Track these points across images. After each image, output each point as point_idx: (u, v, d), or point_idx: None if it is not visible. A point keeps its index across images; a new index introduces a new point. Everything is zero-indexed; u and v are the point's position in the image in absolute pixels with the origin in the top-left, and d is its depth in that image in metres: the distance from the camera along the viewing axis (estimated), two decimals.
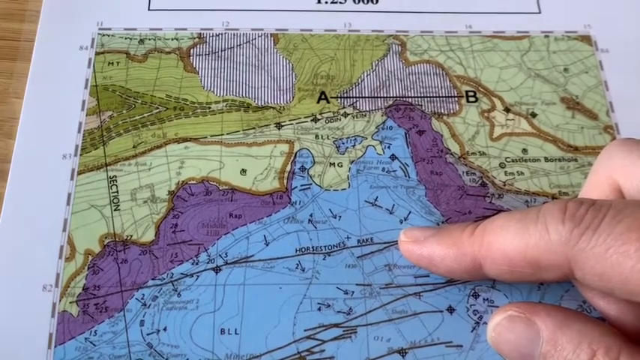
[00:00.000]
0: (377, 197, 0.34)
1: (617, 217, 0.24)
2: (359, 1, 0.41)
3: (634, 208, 0.24)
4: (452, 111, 0.37)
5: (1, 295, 0.31)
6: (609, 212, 0.25)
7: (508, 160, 0.36)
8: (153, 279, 0.32)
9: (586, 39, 0.40)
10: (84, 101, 0.36)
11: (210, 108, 0.37)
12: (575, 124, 0.37)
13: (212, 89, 0.37)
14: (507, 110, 0.38)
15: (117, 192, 0.34)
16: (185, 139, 0.36)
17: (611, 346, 0.25)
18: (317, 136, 0.36)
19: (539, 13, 0.41)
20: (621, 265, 0.24)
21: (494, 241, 0.28)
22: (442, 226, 0.32)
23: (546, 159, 0.36)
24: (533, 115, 0.37)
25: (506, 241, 0.27)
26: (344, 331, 0.31)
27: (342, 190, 0.35)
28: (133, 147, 0.35)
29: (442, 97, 0.38)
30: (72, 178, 0.34)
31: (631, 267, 0.23)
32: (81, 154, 0.35)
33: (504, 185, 0.35)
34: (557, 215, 0.26)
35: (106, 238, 0.33)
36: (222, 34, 0.39)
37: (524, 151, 0.36)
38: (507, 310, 0.28)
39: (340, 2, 0.41)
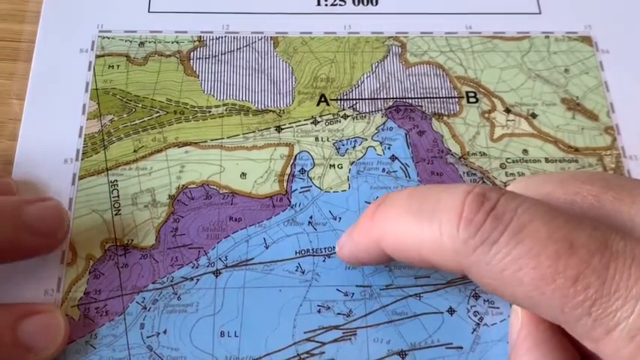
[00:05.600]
0: (377, 198, 0.34)
1: (518, 235, 0.22)
2: (359, 3, 0.41)
3: (538, 225, 0.22)
4: (452, 112, 0.37)
5: (6, 300, 0.31)
6: (510, 226, 0.22)
7: (509, 160, 0.36)
8: (153, 283, 0.32)
9: (586, 40, 0.40)
10: (84, 105, 0.37)
11: (210, 112, 0.37)
12: (576, 124, 0.37)
13: (212, 93, 0.37)
14: (508, 111, 0.37)
15: (118, 196, 0.34)
16: (185, 144, 0.36)
17: None
18: (317, 139, 0.36)
19: (540, 13, 0.41)
20: (514, 289, 0.23)
21: (389, 232, 0.26)
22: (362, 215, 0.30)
23: (547, 160, 0.36)
24: (534, 115, 0.37)
25: (400, 235, 0.26)
26: (344, 333, 0.31)
27: (342, 191, 0.35)
28: (134, 151, 0.35)
29: (442, 97, 0.38)
30: (73, 183, 0.34)
31: (523, 293, 0.22)
32: (82, 159, 0.35)
33: (505, 186, 0.35)
34: (452, 218, 0.23)
35: (107, 242, 0.33)
36: (222, 38, 0.39)
37: (525, 151, 0.36)
38: None
39: (340, 4, 0.41)
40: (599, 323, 0.21)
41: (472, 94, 0.38)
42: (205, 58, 0.39)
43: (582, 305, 0.21)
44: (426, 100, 0.38)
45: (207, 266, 0.32)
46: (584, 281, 0.21)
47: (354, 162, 0.35)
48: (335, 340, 0.31)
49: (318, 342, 0.31)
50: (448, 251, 0.24)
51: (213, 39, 0.39)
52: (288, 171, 0.35)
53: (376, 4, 0.41)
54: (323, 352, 0.30)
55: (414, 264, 0.27)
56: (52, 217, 0.31)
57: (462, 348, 0.31)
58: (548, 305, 0.22)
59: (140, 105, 0.37)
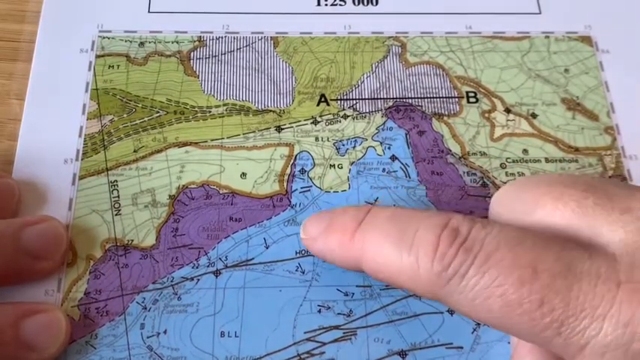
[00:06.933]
0: (377, 198, 0.34)
1: (485, 265, 0.23)
2: (359, 3, 0.41)
3: (504, 253, 0.23)
4: (452, 112, 0.37)
5: (6, 300, 0.31)
6: (478, 256, 0.23)
7: (509, 160, 0.36)
8: (153, 283, 0.32)
9: (586, 40, 0.40)
10: (85, 105, 0.37)
11: (210, 112, 0.37)
12: (576, 124, 0.37)
13: (212, 93, 0.37)
14: (508, 111, 0.37)
15: (118, 197, 0.34)
16: (185, 144, 0.36)
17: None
18: (317, 139, 0.36)
19: (540, 13, 0.41)
20: (486, 315, 0.24)
21: (370, 256, 0.27)
22: (335, 213, 0.30)
23: (547, 160, 0.36)
24: (534, 115, 0.37)
25: (381, 260, 0.26)
26: (344, 333, 0.31)
27: (343, 191, 0.35)
28: (134, 151, 0.35)
29: (442, 97, 0.38)
30: (73, 183, 0.34)
31: (495, 319, 0.23)
32: (82, 159, 0.35)
33: None
34: (428, 252, 0.25)
35: (107, 242, 0.33)
36: (222, 38, 0.39)
37: (525, 151, 0.36)
38: None
39: (340, 4, 0.41)
40: (569, 342, 0.22)
41: (472, 94, 0.38)
42: (205, 58, 0.39)
43: (550, 327, 0.22)
44: (426, 100, 0.38)
45: (208, 266, 0.32)
46: (548, 305, 0.22)
47: (354, 162, 0.35)
48: (335, 340, 0.31)
49: (318, 342, 0.31)
50: (424, 282, 0.25)
51: (213, 39, 0.39)
52: (288, 171, 0.35)
53: (376, 4, 0.41)
54: (323, 352, 0.30)
55: (392, 286, 0.28)
56: (52, 240, 0.32)
57: (462, 348, 0.31)
58: (519, 329, 0.23)
59: (140, 105, 0.37)
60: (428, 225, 0.25)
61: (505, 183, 0.35)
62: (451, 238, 0.24)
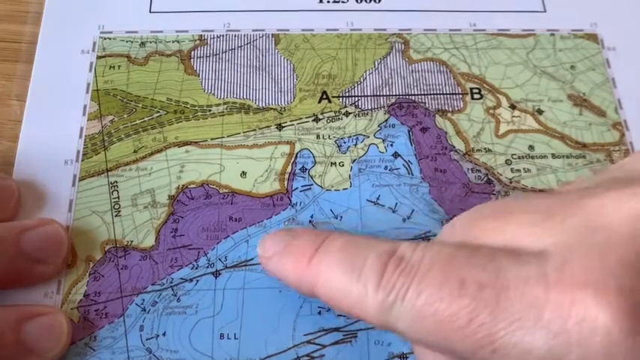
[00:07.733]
0: (379, 196, 0.34)
1: (420, 285, 0.22)
2: (361, 0, 0.41)
3: (435, 272, 0.22)
4: (456, 108, 0.37)
5: (6, 302, 0.31)
6: (415, 279, 0.22)
7: (514, 156, 0.35)
8: (153, 284, 0.32)
9: (592, 37, 0.40)
10: (85, 106, 0.36)
11: (210, 111, 0.36)
12: (583, 120, 0.37)
13: (213, 92, 0.37)
14: (513, 107, 0.37)
15: (118, 197, 0.34)
16: (185, 143, 0.35)
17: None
18: (318, 136, 0.36)
19: (545, 11, 0.41)
20: (427, 338, 0.22)
21: (324, 283, 0.26)
22: (294, 235, 0.29)
23: (554, 155, 0.35)
24: (540, 111, 0.37)
25: (333, 287, 0.26)
26: (344, 335, 0.30)
27: (344, 189, 0.34)
28: (134, 151, 0.35)
29: (446, 94, 0.37)
30: (73, 185, 0.34)
31: (433, 340, 0.22)
32: (82, 160, 0.35)
33: (510, 182, 0.34)
34: (375, 279, 0.24)
35: (106, 244, 0.33)
36: (223, 36, 0.39)
37: (531, 147, 0.36)
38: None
39: (342, 1, 0.41)
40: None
41: (476, 91, 0.37)
42: (206, 56, 0.38)
43: (483, 344, 0.21)
44: (429, 96, 0.37)
45: (207, 267, 0.32)
46: (477, 319, 0.21)
47: (355, 160, 0.35)
48: (335, 343, 0.30)
49: (318, 344, 0.30)
50: (372, 311, 0.24)
51: (214, 37, 0.39)
52: (288, 169, 0.35)
53: (379, 1, 0.41)
54: (323, 355, 0.30)
55: (346, 316, 0.28)
56: (53, 244, 0.31)
57: None
58: (461, 350, 0.22)
59: (140, 105, 0.36)
60: (377, 253, 0.25)
61: (510, 180, 0.34)
62: (396, 265, 0.24)
